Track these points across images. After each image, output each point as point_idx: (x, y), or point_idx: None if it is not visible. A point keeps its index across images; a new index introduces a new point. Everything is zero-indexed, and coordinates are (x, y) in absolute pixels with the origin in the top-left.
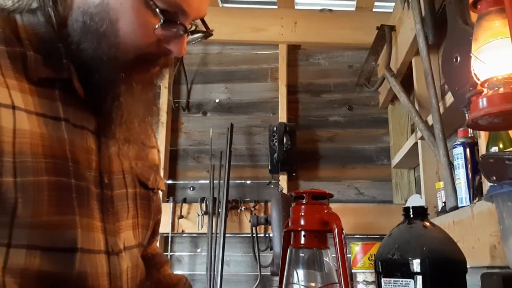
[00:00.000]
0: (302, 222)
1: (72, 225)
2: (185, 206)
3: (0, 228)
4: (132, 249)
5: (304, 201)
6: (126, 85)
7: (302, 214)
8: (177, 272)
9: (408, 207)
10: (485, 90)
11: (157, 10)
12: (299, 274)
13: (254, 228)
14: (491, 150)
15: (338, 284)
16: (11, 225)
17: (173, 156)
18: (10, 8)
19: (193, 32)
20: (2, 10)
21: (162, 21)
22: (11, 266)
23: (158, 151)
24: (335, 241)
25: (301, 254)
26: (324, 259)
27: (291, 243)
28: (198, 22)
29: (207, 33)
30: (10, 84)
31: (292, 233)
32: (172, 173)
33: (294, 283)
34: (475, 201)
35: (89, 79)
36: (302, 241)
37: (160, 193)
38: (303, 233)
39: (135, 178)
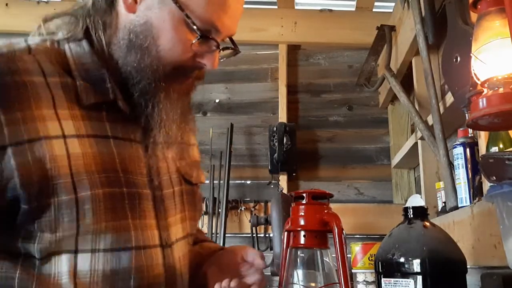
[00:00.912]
0: (302, 222)
1: (126, 228)
2: None
3: (68, 237)
4: (183, 240)
5: (304, 201)
6: (165, 94)
7: (302, 214)
8: None
9: (408, 207)
10: (485, 90)
11: (195, 27)
12: (299, 274)
13: (254, 228)
14: (491, 150)
15: (338, 284)
16: (76, 235)
17: None
18: (60, 39)
19: (224, 48)
20: (53, 42)
21: (198, 37)
22: (79, 269)
23: (197, 147)
24: (335, 241)
25: (301, 254)
26: (324, 259)
27: (291, 243)
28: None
29: (236, 50)
30: (61, 114)
31: (292, 233)
32: None
33: (294, 283)
34: (475, 201)
35: (131, 93)
36: (302, 241)
37: None
38: (303, 233)
39: (180, 176)
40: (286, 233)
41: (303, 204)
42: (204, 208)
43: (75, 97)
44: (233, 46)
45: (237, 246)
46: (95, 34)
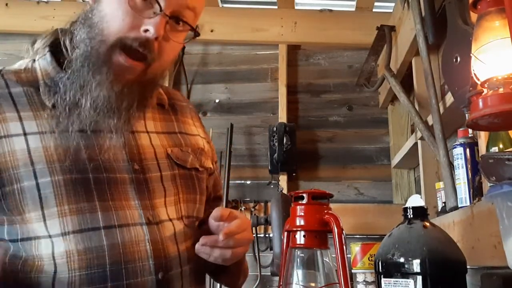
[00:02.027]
0: (302, 222)
1: (92, 209)
2: None
3: (36, 221)
4: (177, 220)
5: (304, 201)
6: (118, 83)
7: (302, 214)
8: None
9: (408, 207)
10: (485, 90)
11: None
12: (299, 274)
13: (254, 228)
14: (491, 150)
15: (338, 284)
16: (44, 219)
17: None
18: (32, 57)
19: (173, 18)
20: (28, 64)
21: None
22: (56, 252)
23: (202, 137)
24: (335, 241)
25: (301, 254)
26: (324, 259)
27: (291, 243)
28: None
29: (196, 32)
30: (24, 116)
31: (292, 233)
32: None
33: (294, 283)
34: (475, 201)
35: (89, 82)
36: (302, 241)
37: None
38: (303, 233)
39: (171, 161)
40: (286, 233)
41: (303, 204)
42: None
43: (39, 100)
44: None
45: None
46: (62, 42)
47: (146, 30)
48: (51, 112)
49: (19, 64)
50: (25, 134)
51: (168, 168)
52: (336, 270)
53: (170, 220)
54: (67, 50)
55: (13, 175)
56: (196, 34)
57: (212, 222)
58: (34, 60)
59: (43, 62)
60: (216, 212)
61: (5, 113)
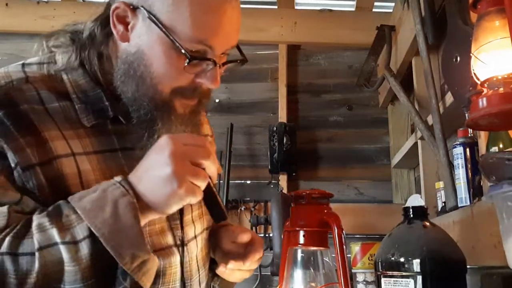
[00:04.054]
0: (302, 222)
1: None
2: None
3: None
4: (199, 236)
5: (304, 201)
6: (164, 120)
7: (302, 214)
8: None
9: (408, 207)
10: (485, 90)
11: (183, 51)
12: (299, 274)
13: (254, 228)
14: (491, 150)
15: (338, 284)
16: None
17: None
18: (60, 68)
19: (226, 63)
20: (50, 70)
21: (188, 60)
22: None
23: (210, 136)
24: (335, 241)
25: (301, 254)
26: (324, 259)
27: (291, 243)
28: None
29: (243, 60)
30: (67, 134)
31: (292, 233)
32: None
33: (294, 283)
34: (475, 201)
35: (131, 116)
36: (302, 241)
37: None
38: (303, 233)
39: None
40: (286, 233)
41: (303, 204)
42: None
43: (76, 118)
44: (241, 57)
45: (233, 226)
46: (90, 68)
47: (201, 82)
48: (91, 130)
49: (39, 67)
50: (73, 154)
51: None
52: (336, 270)
53: (195, 237)
54: (96, 75)
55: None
56: (245, 61)
57: (233, 242)
58: (49, 63)
59: (72, 73)
60: (245, 236)
61: (50, 131)
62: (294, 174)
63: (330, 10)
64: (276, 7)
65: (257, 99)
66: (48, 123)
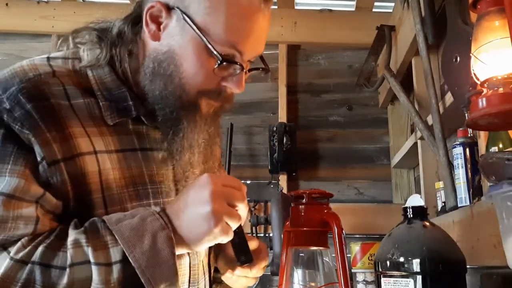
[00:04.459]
0: (302, 222)
1: None
2: None
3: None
4: None
5: (304, 201)
6: (189, 120)
7: (302, 214)
8: None
9: (408, 207)
10: (484, 90)
11: (215, 53)
12: (299, 274)
13: (254, 228)
14: (490, 150)
15: (338, 284)
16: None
17: None
18: (86, 65)
19: (251, 69)
20: (75, 65)
21: (219, 62)
22: None
23: (219, 145)
24: (335, 241)
25: (301, 254)
26: (324, 259)
27: (291, 243)
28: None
29: (265, 69)
30: (90, 132)
31: (292, 233)
32: None
33: (294, 283)
34: (474, 201)
35: (156, 114)
36: (302, 241)
37: None
38: (303, 233)
39: None
40: (286, 233)
41: (303, 204)
42: None
43: (100, 115)
44: (263, 66)
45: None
46: (120, 66)
47: (227, 86)
48: (114, 128)
49: (64, 62)
50: (95, 152)
51: None
52: (336, 269)
53: None
54: (126, 73)
55: (86, 202)
56: (267, 71)
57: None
58: (74, 59)
59: (98, 71)
60: (253, 244)
61: (73, 128)
62: (294, 174)
63: (330, 10)
64: (276, 7)
65: (257, 99)
66: (72, 120)
